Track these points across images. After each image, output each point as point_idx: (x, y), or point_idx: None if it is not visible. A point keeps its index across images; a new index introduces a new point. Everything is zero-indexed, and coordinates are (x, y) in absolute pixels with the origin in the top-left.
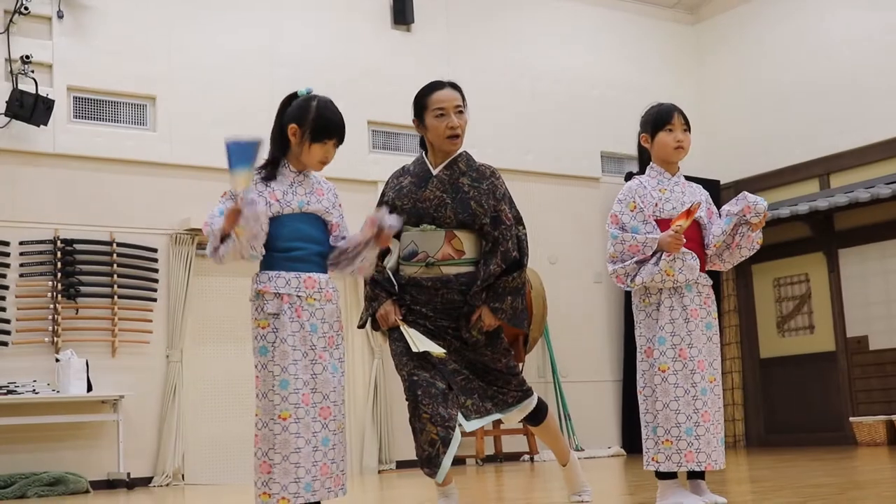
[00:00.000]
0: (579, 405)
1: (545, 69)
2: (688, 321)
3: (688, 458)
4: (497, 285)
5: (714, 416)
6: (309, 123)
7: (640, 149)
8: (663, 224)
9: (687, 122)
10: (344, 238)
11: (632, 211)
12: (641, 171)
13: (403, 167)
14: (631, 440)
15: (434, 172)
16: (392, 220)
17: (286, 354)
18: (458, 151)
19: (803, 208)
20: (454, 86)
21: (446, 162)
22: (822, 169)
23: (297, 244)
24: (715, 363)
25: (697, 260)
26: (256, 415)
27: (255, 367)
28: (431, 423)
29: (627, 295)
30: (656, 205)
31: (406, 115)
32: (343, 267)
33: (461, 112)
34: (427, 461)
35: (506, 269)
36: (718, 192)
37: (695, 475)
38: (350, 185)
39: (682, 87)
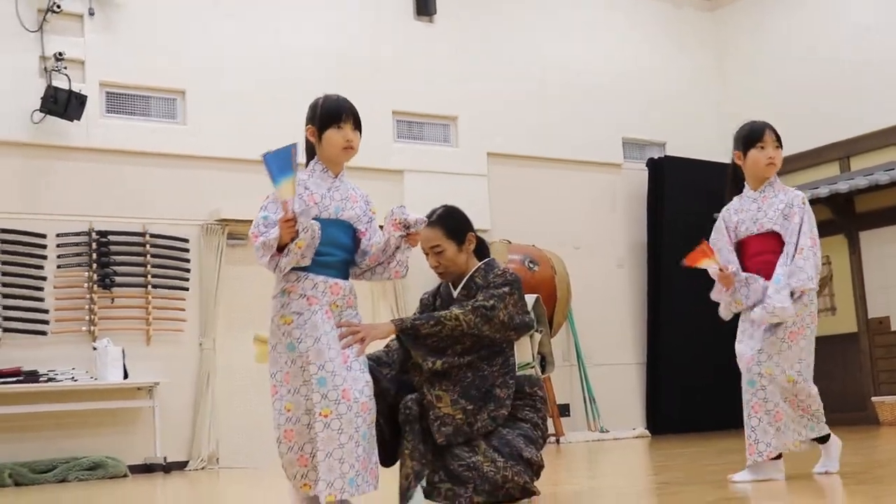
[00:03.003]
0: (604, 388)
1: (566, 57)
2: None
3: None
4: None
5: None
6: (318, 117)
7: (734, 166)
8: (744, 245)
9: (779, 139)
10: (371, 245)
11: (722, 236)
12: (734, 190)
13: (436, 290)
14: (655, 421)
15: (455, 296)
16: (417, 215)
17: (321, 353)
18: (475, 266)
19: (824, 191)
20: (439, 220)
21: (463, 281)
22: (842, 152)
23: (328, 249)
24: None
25: (759, 281)
26: (287, 409)
27: (284, 362)
28: (410, 459)
29: (650, 279)
30: (736, 227)
31: (429, 105)
32: (379, 273)
33: (440, 252)
34: (401, 496)
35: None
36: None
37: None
38: (375, 175)
39: (701, 73)
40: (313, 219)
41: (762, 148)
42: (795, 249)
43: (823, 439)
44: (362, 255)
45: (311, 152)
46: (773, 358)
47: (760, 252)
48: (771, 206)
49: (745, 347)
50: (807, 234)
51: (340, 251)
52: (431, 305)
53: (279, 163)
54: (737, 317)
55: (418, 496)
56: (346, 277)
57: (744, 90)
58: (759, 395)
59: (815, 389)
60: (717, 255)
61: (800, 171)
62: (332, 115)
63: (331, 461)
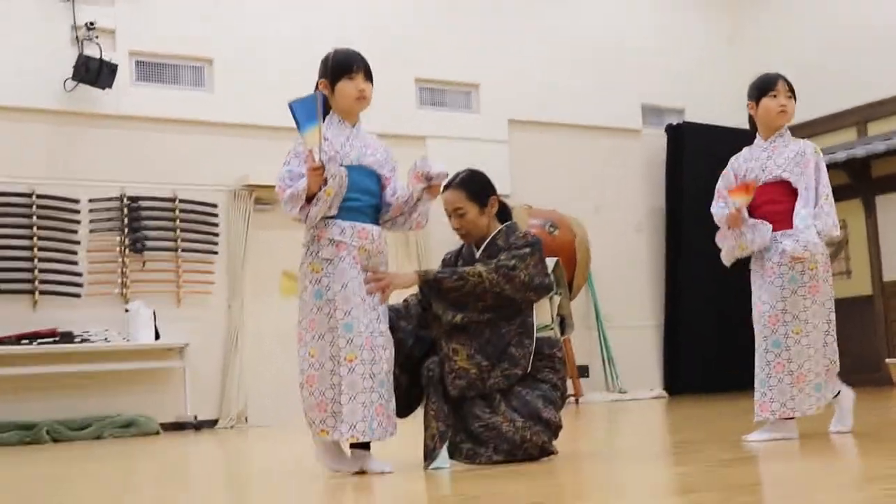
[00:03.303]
0: (623, 349)
1: (586, 24)
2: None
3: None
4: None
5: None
6: (329, 69)
7: (750, 118)
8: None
9: (792, 90)
10: (396, 192)
11: (728, 184)
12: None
13: (458, 251)
14: (673, 382)
15: (476, 257)
16: (439, 167)
17: (348, 299)
18: (497, 229)
19: (841, 156)
20: (461, 183)
21: (485, 243)
22: (859, 117)
23: (353, 195)
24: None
25: (767, 226)
26: (311, 355)
27: (310, 310)
28: (435, 419)
29: (669, 243)
30: (744, 175)
31: (453, 72)
32: (401, 224)
33: (462, 215)
34: (426, 455)
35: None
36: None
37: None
38: (398, 141)
39: (721, 37)
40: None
41: (774, 96)
42: (817, 195)
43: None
44: (386, 206)
45: (326, 105)
46: (800, 317)
47: (767, 201)
48: (781, 154)
49: (765, 307)
50: (826, 183)
51: (367, 196)
52: (454, 265)
53: (305, 111)
54: (746, 274)
55: (443, 456)
56: (374, 222)
57: (762, 56)
58: (784, 355)
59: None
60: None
61: (817, 135)
62: (343, 66)
63: (354, 404)
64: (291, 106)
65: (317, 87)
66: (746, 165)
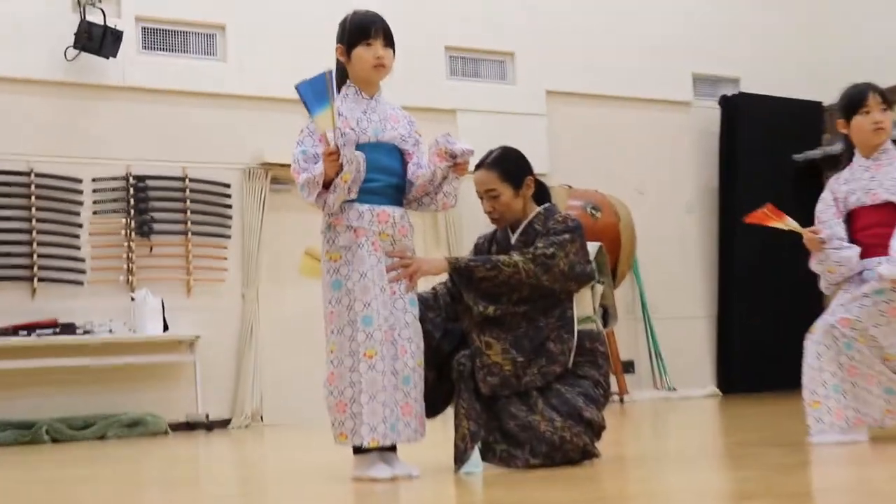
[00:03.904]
0: (671, 343)
1: None
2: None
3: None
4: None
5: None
6: (346, 33)
7: (844, 138)
8: (854, 217)
9: (885, 100)
10: (422, 167)
11: (828, 208)
12: (848, 160)
13: (492, 235)
14: (727, 380)
15: (512, 242)
16: (463, 145)
17: (367, 289)
18: (534, 212)
19: None
20: (494, 162)
21: (521, 228)
22: None
23: (372, 175)
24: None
25: (854, 250)
26: (332, 351)
27: (329, 301)
28: (466, 419)
29: (722, 225)
30: (845, 198)
31: (485, 40)
32: (427, 204)
33: (495, 197)
34: (456, 458)
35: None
36: (821, 113)
37: None
38: (427, 115)
39: (782, 3)
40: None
41: (867, 113)
42: None
43: None
44: (409, 185)
45: (343, 74)
46: (871, 330)
47: (872, 224)
48: (887, 174)
49: (841, 310)
50: None
51: (386, 175)
52: (487, 251)
53: (314, 92)
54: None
55: (475, 458)
56: (396, 203)
57: (828, 18)
58: (857, 357)
59: None
60: (787, 219)
61: None
62: (359, 30)
63: (374, 405)
64: (298, 89)
65: (333, 69)
66: (847, 188)
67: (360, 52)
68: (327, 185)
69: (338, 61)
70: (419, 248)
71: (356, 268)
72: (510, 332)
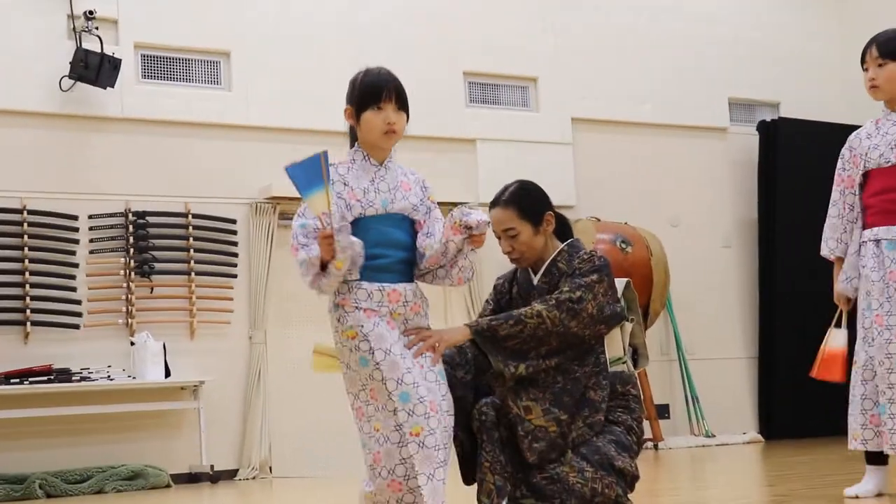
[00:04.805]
0: (709, 386)
1: (664, 5)
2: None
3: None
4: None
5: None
6: (356, 96)
7: None
8: (870, 178)
9: (887, 53)
10: (432, 235)
11: (849, 167)
12: None
13: (512, 275)
14: (769, 425)
15: (535, 283)
16: (479, 216)
17: (396, 365)
18: (557, 249)
19: None
20: (511, 199)
21: (544, 268)
22: None
23: (380, 251)
24: None
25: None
26: (376, 429)
27: (364, 378)
28: (491, 472)
29: (762, 260)
30: (866, 154)
31: (505, 65)
32: (441, 277)
33: (514, 236)
34: None
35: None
36: None
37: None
38: (445, 144)
39: (822, 24)
40: (356, 220)
41: (865, 69)
42: None
43: None
44: (419, 257)
45: (353, 137)
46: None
47: (891, 188)
48: None
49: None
50: None
51: (395, 250)
52: (507, 293)
53: (306, 175)
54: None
55: None
56: (407, 280)
57: (869, 38)
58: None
59: None
60: (832, 351)
61: None
62: (370, 93)
63: (434, 483)
64: (289, 171)
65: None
66: (869, 143)
67: (369, 116)
68: (325, 265)
69: (350, 129)
70: (437, 292)
71: (377, 346)
72: (547, 391)
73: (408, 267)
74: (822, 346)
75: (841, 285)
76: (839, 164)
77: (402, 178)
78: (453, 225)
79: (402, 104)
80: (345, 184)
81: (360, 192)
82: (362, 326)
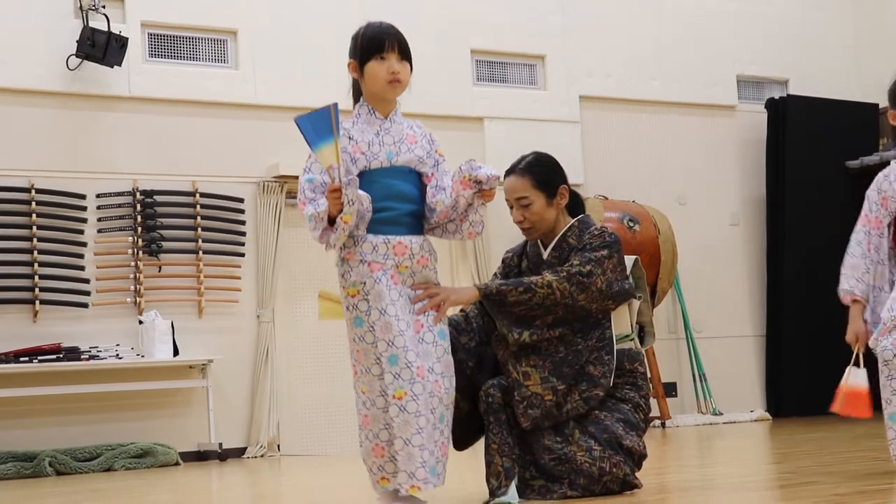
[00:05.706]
0: (716, 364)
1: None
2: None
3: None
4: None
5: None
6: (358, 47)
7: (893, 130)
8: None
9: None
10: (442, 189)
11: (875, 208)
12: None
13: (522, 248)
14: (777, 402)
15: (544, 257)
16: (489, 170)
17: (389, 327)
18: (568, 224)
19: None
20: (527, 168)
21: (554, 242)
22: None
23: (386, 203)
24: None
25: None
26: (363, 392)
27: (353, 339)
28: (499, 454)
29: (770, 239)
30: (894, 196)
31: (513, 43)
32: (451, 231)
33: (527, 205)
34: (492, 494)
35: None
36: (877, 116)
37: None
38: (452, 123)
39: (834, 1)
40: (361, 173)
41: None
42: None
43: None
44: (430, 211)
45: (357, 92)
46: None
47: None
48: None
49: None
50: None
51: (402, 203)
52: (517, 267)
53: (316, 127)
54: None
55: (512, 491)
56: (414, 232)
57: (883, 14)
58: None
59: None
60: (855, 377)
61: None
62: (372, 44)
63: (410, 449)
64: (299, 122)
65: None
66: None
67: (373, 67)
68: (333, 220)
69: (354, 83)
70: (444, 262)
71: (374, 304)
72: (548, 359)
73: (415, 220)
74: (841, 384)
75: (862, 326)
76: (865, 205)
77: (408, 130)
78: (462, 179)
79: (406, 54)
80: (350, 137)
81: (365, 145)
82: (364, 283)
